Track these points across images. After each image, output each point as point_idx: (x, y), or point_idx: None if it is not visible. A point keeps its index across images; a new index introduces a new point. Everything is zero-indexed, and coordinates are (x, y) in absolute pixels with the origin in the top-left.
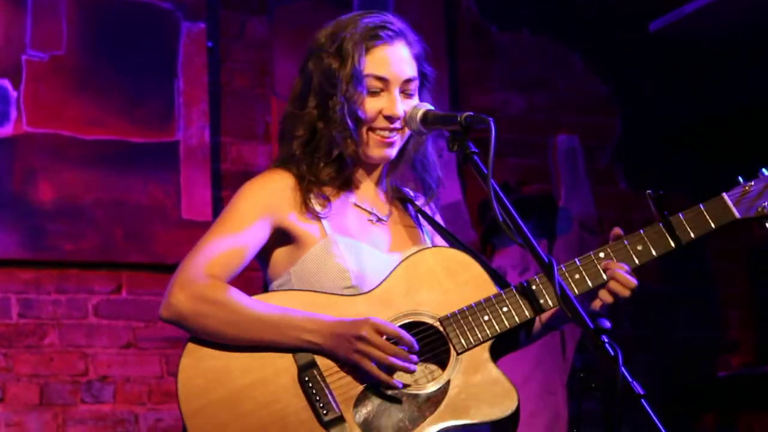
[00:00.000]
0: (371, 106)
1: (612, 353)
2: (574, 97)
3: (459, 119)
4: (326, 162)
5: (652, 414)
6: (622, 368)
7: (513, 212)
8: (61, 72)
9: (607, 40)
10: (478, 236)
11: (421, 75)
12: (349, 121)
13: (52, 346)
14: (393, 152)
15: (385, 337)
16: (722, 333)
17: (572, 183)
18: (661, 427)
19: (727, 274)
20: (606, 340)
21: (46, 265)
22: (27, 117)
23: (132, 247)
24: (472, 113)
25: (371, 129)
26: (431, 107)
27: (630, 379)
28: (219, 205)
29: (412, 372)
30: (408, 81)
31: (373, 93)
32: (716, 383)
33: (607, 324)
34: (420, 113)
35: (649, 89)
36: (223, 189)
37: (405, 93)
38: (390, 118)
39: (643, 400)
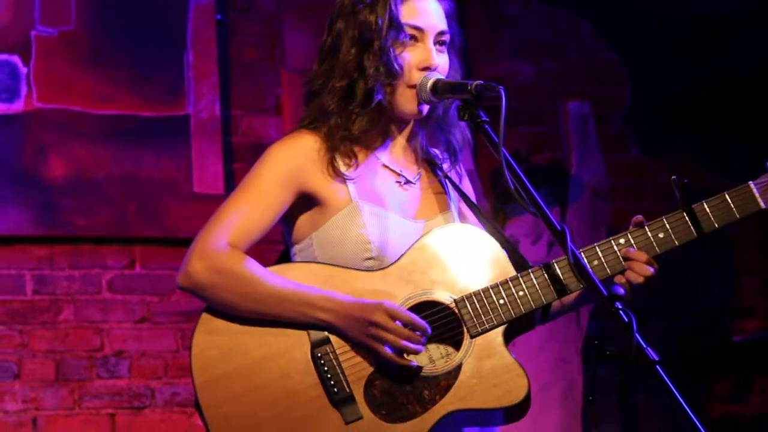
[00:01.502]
0: (407, 56)
1: (626, 320)
2: (584, 65)
3: (469, 88)
4: (361, 113)
5: (666, 380)
6: (636, 335)
7: (525, 181)
8: (71, 47)
9: (616, 6)
10: (490, 205)
11: (451, 33)
12: (390, 68)
13: (67, 321)
14: (425, 107)
15: (398, 321)
16: (737, 298)
17: (583, 150)
18: (676, 393)
19: (743, 239)
20: (620, 306)
21: (59, 241)
22: (37, 93)
23: (144, 221)
24: (482, 82)
25: (410, 86)
26: (441, 76)
27: (644, 346)
28: (231, 178)
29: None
30: (441, 33)
31: (410, 43)
32: (731, 348)
33: (621, 290)
34: (430, 82)
35: (659, 55)
36: (235, 162)
37: (438, 46)
38: (427, 69)
39: (657, 366)
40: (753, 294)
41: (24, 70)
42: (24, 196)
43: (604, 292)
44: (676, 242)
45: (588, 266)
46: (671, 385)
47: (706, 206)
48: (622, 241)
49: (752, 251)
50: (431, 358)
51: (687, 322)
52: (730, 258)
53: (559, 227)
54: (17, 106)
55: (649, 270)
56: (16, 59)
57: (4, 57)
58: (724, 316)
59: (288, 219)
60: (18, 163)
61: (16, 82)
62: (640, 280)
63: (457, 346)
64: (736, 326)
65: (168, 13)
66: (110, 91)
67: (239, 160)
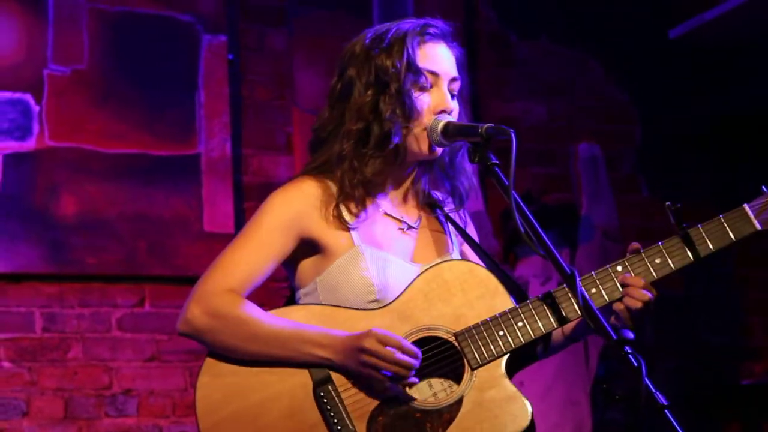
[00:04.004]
0: (424, 100)
1: (635, 364)
2: (595, 105)
3: (480, 131)
4: (375, 155)
5: (675, 424)
6: (646, 379)
7: (535, 223)
8: (83, 86)
9: (627, 47)
10: (500, 246)
11: (461, 82)
12: (408, 110)
13: (76, 359)
14: (438, 150)
15: (389, 347)
16: (746, 340)
17: (594, 191)
18: None
19: (751, 280)
20: (629, 350)
21: (69, 278)
22: (49, 131)
23: (155, 260)
24: (492, 125)
25: (423, 129)
26: (452, 119)
27: (653, 390)
28: (241, 217)
29: (413, 384)
30: (454, 80)
31: (426, 88)
32: (740, 391)
33: (630, 334)
34: (441, 125)
35: (669, 96)
36: (245, 201)
37: (450, 92)
38: (443, 112)
39: (666, 411)
40: (762, 336)
41: (36, 108)
42: (35, 233)
43: (614, 336)
44: (673, 267)
45: (597, 311)
46: (680, 429)
47: (701, 229)
48: (619, 268)
49: (761, 291)
50: (434, 391)
51: (696, 364)
52: (739, 299)
53: (568, 270)
54: (29, 144)
55: (647, 295)
56: (28, 97)
57: (16, 95)
58: (732, 358)
59: (291, 264)
60: (29, 201)
61: (28, 120)
62: (639, 305)
63: (458, 379)
64: (745, 369)
65: (180, 53)
66: (122, 129)
67: (250, 199)
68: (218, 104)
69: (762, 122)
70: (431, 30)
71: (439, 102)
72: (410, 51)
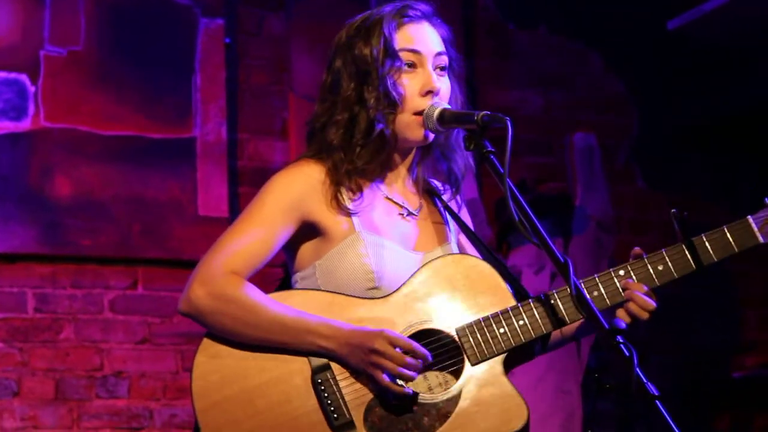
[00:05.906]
0: (408, 83)
1: (627, 354)
2: (592, 96)
3: (476, 118)
4: (364, 144)
5: (666, 415)
6: (637, 369)
7: (529, 212)
8: (79, 67)
9: (624, 38)
10: (494, 234)
11: (449, 58)
12: (389, 96)
13: (68, 340)
14: (431, 134)
15: (398, 349)
16: (737, 333)
17: (589, 181)
18: (675, 428)
19: (745, 275)
20: (621, 340)
21: (62, 259)
22: (45, 112)
23: (148, 242)
24: (489, 112)
25: (415, 114)
26: (448, 106)
27: (644, 380)
28: (236, 201)
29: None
30: (440, 54)
31: (408, 70)
32: (731, 384)
33: (622, 324)
34: (437, 112)
35: (667, 88)
36: (240, 185)
37: (438, 69)
38: (429, 93)
39: (657, 401)
40: (755, 329)
41: (32, 89)
42: (29, 214)
43: (606, 326)
44: (675, 275)
45: (590, 299)
46: (671, 421)
47: (705, 240)
48: (621, 272)
49: (756, 286)
50: (430, 386)
51: (688, 357)
52: (732, 293)
53: (562, 259)
54: (24, 125)
55: (649, 302)
56: (24, 78)
57: (12, 76)
58: (725, 351)
59: (291, 247)
60: (24, 182)
61: (23, 100)
62: (640, 312)
63: (456, 374)
64: (736, 362)
65: (177, 36)
66: (118, 111)
67: (244, 183)
68: (214, 88)
69: (759, 115)
70: (410, 12)
71: (424, 83)
72: (387, 35)
